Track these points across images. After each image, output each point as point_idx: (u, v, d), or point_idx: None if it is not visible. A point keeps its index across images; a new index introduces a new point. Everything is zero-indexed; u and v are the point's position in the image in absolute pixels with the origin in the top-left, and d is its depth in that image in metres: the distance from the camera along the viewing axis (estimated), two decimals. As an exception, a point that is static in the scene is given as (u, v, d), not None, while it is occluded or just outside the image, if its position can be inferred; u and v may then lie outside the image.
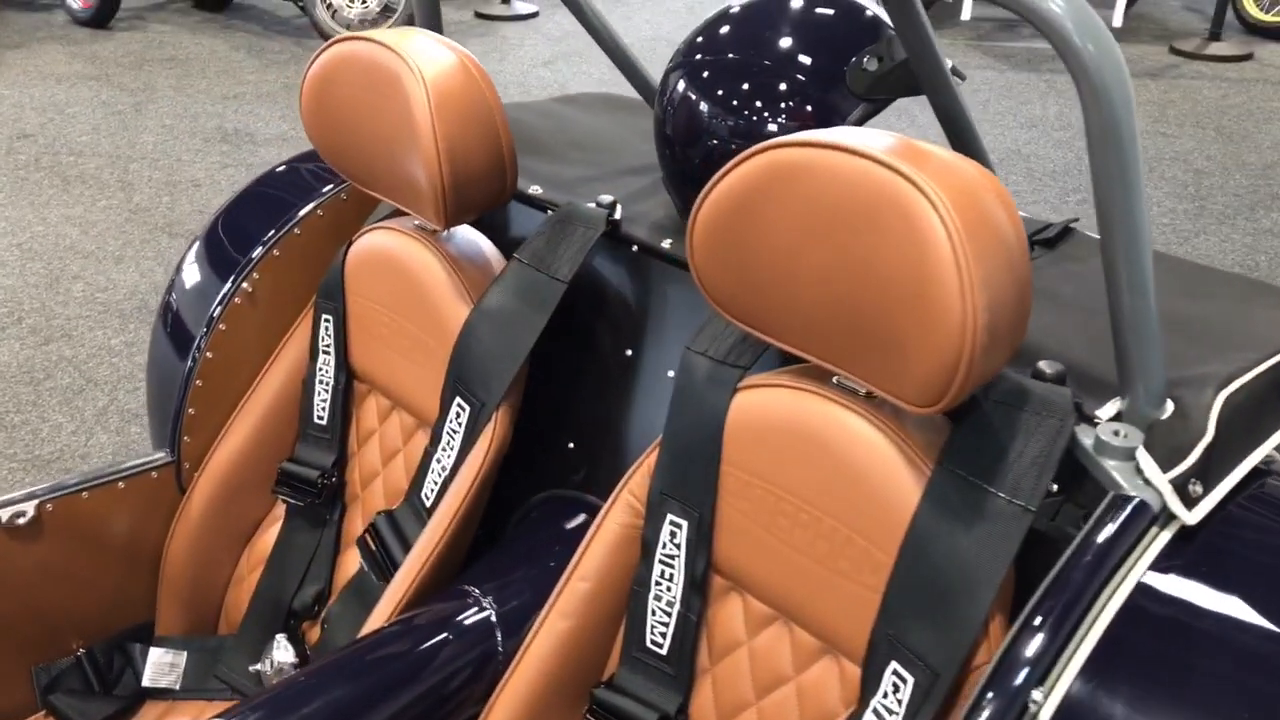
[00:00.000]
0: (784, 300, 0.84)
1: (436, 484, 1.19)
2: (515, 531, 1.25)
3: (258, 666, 1.30)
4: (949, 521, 0.80)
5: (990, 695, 0.70)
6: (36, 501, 1.26)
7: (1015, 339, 0.76)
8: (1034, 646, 0.71)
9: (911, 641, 0.82)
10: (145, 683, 1.34)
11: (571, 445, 1.25)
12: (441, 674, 1.04)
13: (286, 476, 1.35)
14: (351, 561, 1.31)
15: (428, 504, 1.20)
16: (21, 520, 1.25)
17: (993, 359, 0.74)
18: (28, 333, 2.71)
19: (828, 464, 0.88)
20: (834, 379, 0.89)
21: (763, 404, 0.93)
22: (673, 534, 1.00)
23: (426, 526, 1.15)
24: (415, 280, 1.23)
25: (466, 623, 1.07)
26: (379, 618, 1.12)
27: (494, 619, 1.07)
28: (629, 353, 1.20)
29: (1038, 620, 0.72)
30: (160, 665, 1.36)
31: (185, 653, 1.37)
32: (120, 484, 1.33)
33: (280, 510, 1.38)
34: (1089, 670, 0.69)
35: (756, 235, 0.83)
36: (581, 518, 1.20)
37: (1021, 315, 0.75)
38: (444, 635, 1.05)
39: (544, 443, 1.26)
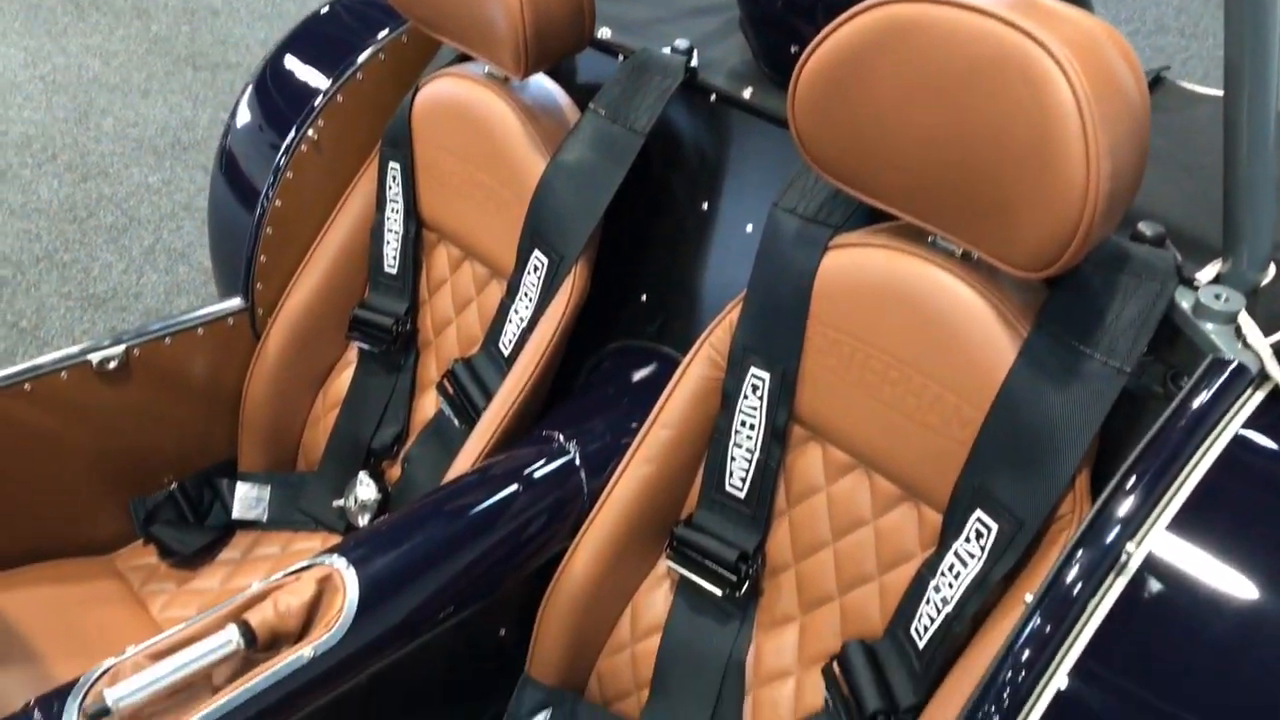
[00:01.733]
0: (890, 159, 0.84)
1: (515, 335, 1.22)
2: (589, 380, 1.28)
3: (340, 502, 1.37)
4: (1043, 381, 0.83)
5: (1083, 549, 0.74)
6: (124, 346, 1.30)
7: (1129, 203, 0.76)
8: (1129, 504, 0.75)
9: (998, 492, 0.86)
10: (235, 515, 1.42)
11: (645, 297, 1.27)
12: (530, 513, 1.10)
13: (359, 322, 1.38)
14: (428, 405, 1.35)
15: (505, 353, 1.23)
16: (112, 364, 1.29)
17: (1107, 225, 0.74)
18: (64, 169, 2.69)
19: (922, 323, 0.90)
20: (930, 239, 0.90)
21: (855, 264, 0.94)
22: (755, 387, 1.03)
23: (509, 375, 1.19)
24: (488, 130, 1.21)
25: (551, 466, 1.12)
26: (466, 461, 1.17)
27: (577, 462, 1.12)
28: (705, 206, 1.20)
29: (1133, 479, 0.75)
30: (247, 499, 1.43)
31: (269, 487, 1.44)
32: (199, 330, 1.36)
33: (353, 354, 1.42)
34: (1183, 520, 0.73)
35: (865, 92, 0.82)
36: (653, 368, 1.23)
37: (1138, 179, 0.75)
38: (531, 477, 1.10)
39: (618, 294, 1.28)
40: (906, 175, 0.84)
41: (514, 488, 1.10)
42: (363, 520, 1.35)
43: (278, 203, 1.37)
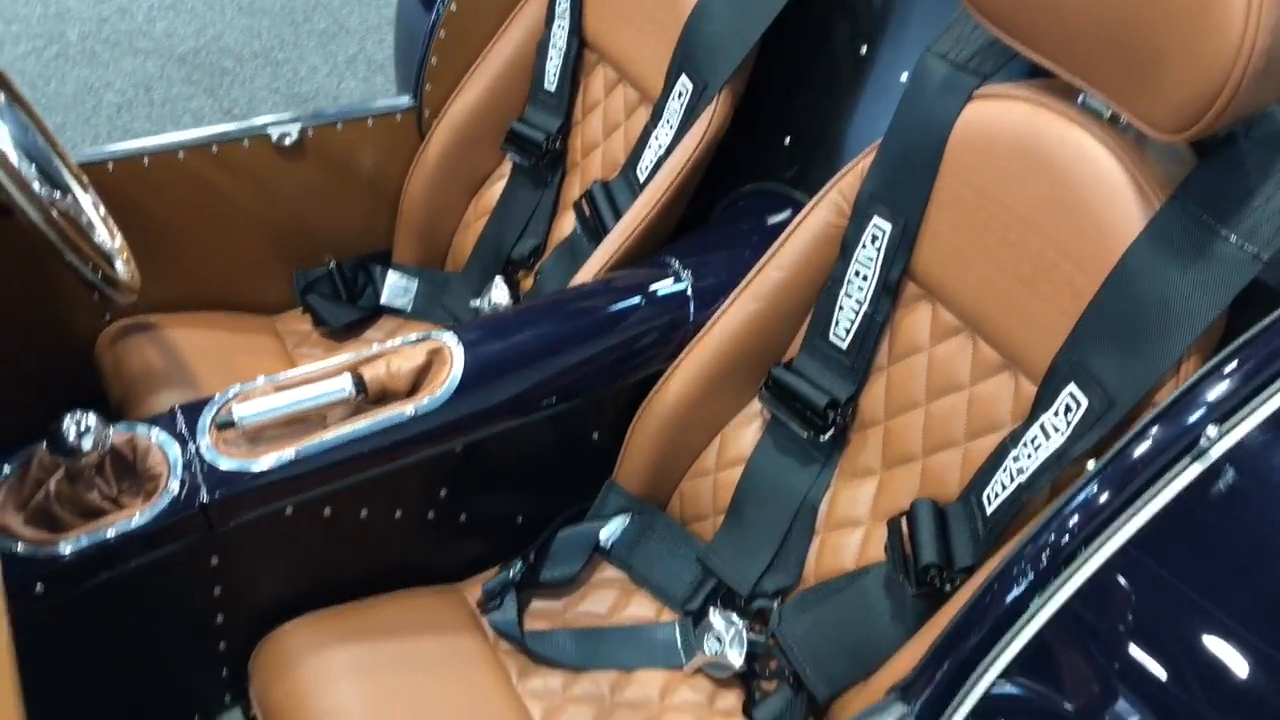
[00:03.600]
0: (1045, 3, 0.79)
1: (652, 161, 1.24)
2: (720, 217, 1.29)
3: (476, 302, 1.46)
4: (1167, 258, 0.78)
5: (1159, 425, 0.71)
6: (300, 125, 1.40)
7: None
8: (1221, 388, 0.70)
9: (1094, 368, 0.82)
10: (383, 300, 1.53)
11: (788, 140, 1.25)
12: (635, 330, 1.14)
13: (515, 135, 1.43)
14: (566, 223, 1.40)
15: (641, 179, 1.25)
16: (288, 140, 1.40)
17: (1263, 90, 0.68)
18: (290, -27, 2.85)
19: (1052, 184, 0.85)
20: (1079, 98, 0.85)
21: (996, 116, 0.90)
22: (874, 237, 1.02)
23: (639, 197, 1.21)
24: None
25: (663, 289, 1.15)
26: (586, 273, 1.21)
27: (689, 291, 1.15)
28: (863, 50, 1.16)
29: (1233, 364, 0.71)
30: (396, 287, 1.54)
31: (417, 280, 1.54)
32: (369, 121, 1.45)
33: (507, 168, 1.48)
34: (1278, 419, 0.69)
35: None
36: (787, 213, 1.22)
37: None
38: (642, 296, 1.14)
39: (761, 134, 1.26)
40: (1061, 22, 0.78)
41: (624, 302, 1.14)
42: (490, 323, 1.44)
43: (453, 7, 1.41)
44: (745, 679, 1.09)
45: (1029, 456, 0.87)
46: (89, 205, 1.12)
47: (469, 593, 1.14)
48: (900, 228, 0.99)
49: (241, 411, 0.97)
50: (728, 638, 1.07)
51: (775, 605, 1.08)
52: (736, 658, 1.06)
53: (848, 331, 1.06)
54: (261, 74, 2.49)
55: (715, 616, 1.09)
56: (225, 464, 0.95)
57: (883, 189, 1.00)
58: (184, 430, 0.97)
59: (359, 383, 1.01)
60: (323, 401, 1.00)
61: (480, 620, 1.11)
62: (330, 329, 1.49)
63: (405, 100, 1.48)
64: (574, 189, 1.42)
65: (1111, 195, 0.81)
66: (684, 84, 1.18)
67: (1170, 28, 0.69)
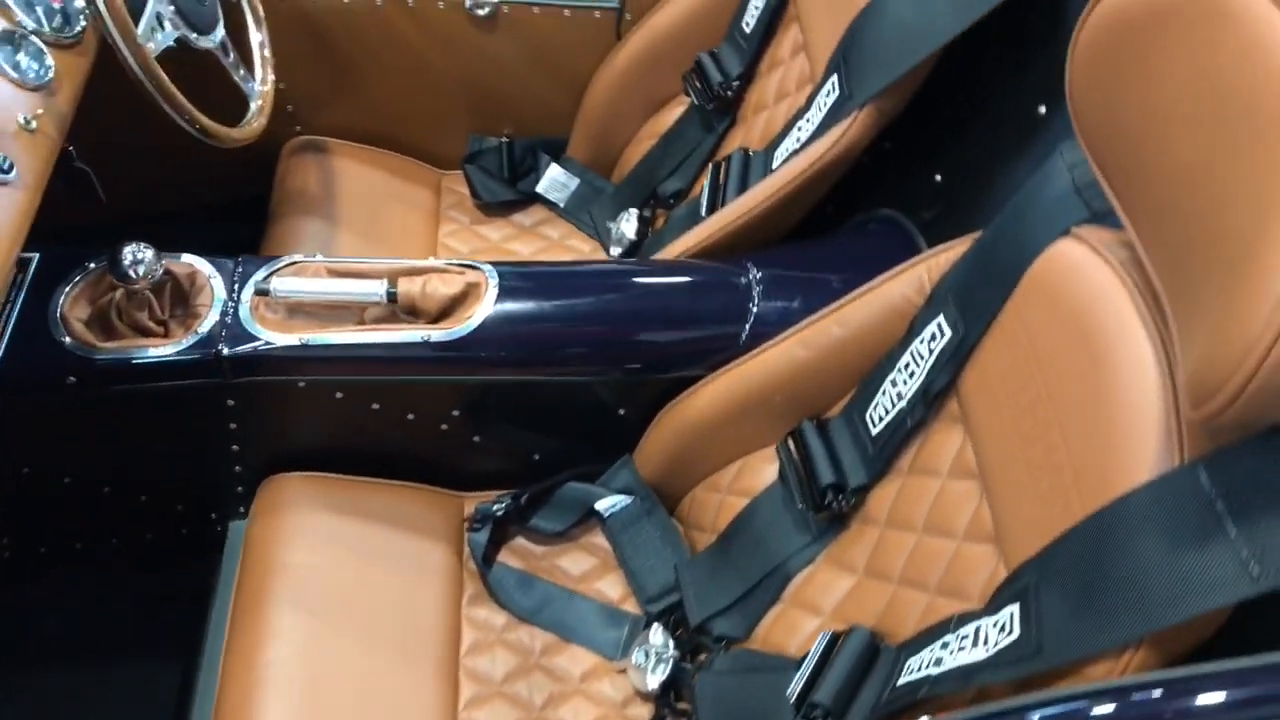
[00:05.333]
0: (1142, 168, 0.62)
1: (787, 151, 1.13)
2: (832, 236, 1.17)
3: (610, 225, 1.43)
4: (1159, 530, 0.62)
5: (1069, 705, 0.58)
6: (497, 1, 1.39)
7: None
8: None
9: (1044, 602, 0.69)
10: (539, 189, 1.54)
11: (938, 178, 1.09)
12: (679, 335, 1.08)
13: (699, 68, 1.34)
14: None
15: (774, 166, 1.15)
16: (482, 11, 1.40)
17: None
18: None
19: (1091, 382, 0.70)
20: None
21: (1074, 270, 0.73)
22: (934, 335, 0.88)
23: (752, 189, 1.11)
24: None
25: (725, 300, 1.07)
26: (674, 248, 1.15)
27: (751, 310, 1.06)
28: (1042, 110, 0.96)
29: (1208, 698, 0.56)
30: (555, 180, 1.54)
31: (578, 180, 1.53)
32: (566, 12, 1.41)
33: (684, 103, 1.40)
34: None
35: (1143, 70, 0.59)
36: (902, 257, 1.08)
37: None
38: (700, 300, 1.07)
39: (913, 163, 1.11)
40: (1153, 198, 0.61)
41: (679, 300, 1.08)
42: (613, 251, 1.41)
43: (675, -84, 1.32)
44: (659, 700, 1.07)
45: (952, 653, 0.76)
46: (256, 45, 1.20)
47: (469, 503, 1.19)
48: (959, 339, 0.85)
49: (278, 285, 1.04)
50: (654, 658, 1.06)
51: (714, 651, 1.05)
52: (653, 681, 1.05)
53: (881, 419, 0.95)
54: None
55: (656, 633, 1.07)
56: (249, 327, 1.03)
57: (960, 288, 0.86)
58: (235, 282, 1.06)
59: (391, 293, 1.04)
60: (354, 298, 1.04)
61: (465, 534, 1.16)
62: (481, 202, 1.53)
63: (613, 3, 1.42)
64: (732, 145, 1.32)
65: (1139, 424, 0.65)
66: (833, 83, 1.05)
67: (1219, 264, 0.52)
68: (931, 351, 0.88)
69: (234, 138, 1.08)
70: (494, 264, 1.07)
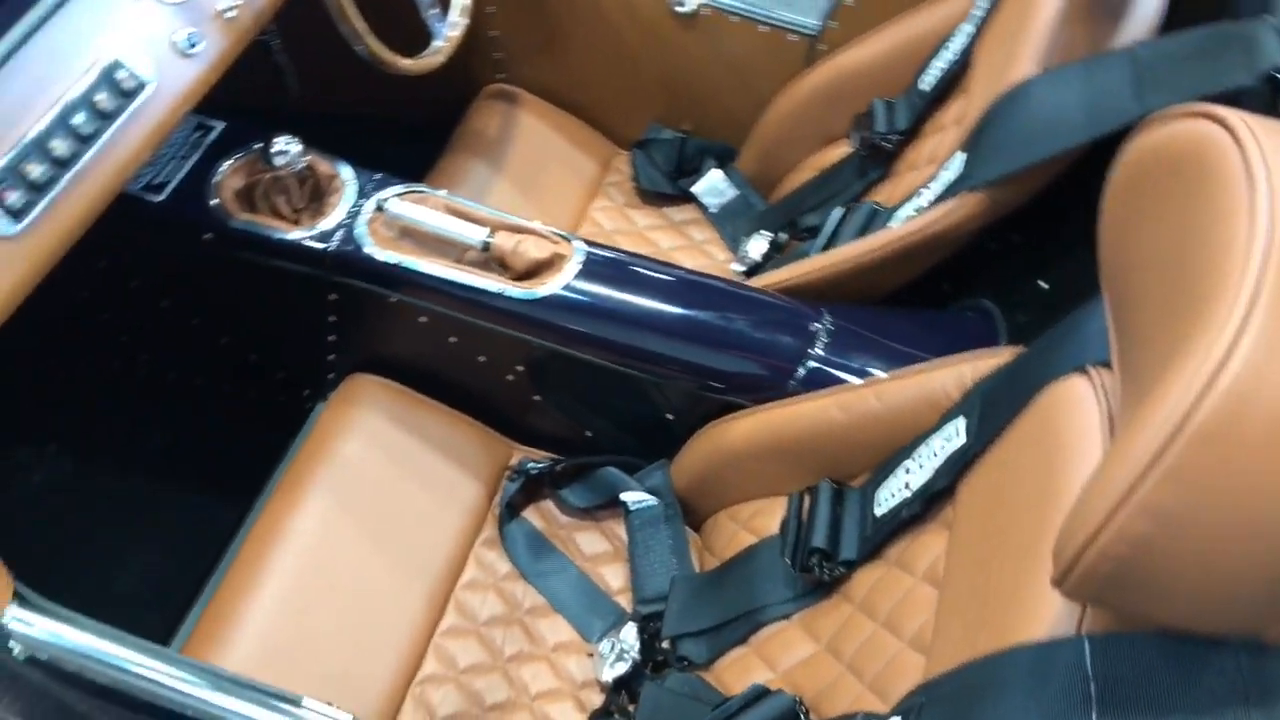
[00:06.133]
0: (1123, 308, 0.58)
1: (904, 216, 1.11)
2: (921, 310, 1.13)
3: (747, 242, 1.44)
4: (1030, 689, 0.59)
5: None
6: (700, 1, 1.43)
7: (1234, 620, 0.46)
8: None
9: None
10: (695, 189, 1.56)
11: (1044, 285, 1.04)
12: (733, 364, 1.09)
13: (870, 114, 1.32)
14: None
15: (893, 222, 1.13)
16: (682, 9, 1.44)
17: (1135, 598, 0.47)
18: None
19: (1041, 516, 0.66)
20: None
21: (1070, 402, 0.69)
22: (949, 437, 0.86)
23: (855, 242, 1.10)
24: None
25: (787, 342, 1.07)
26: (773, 276, 1.16)
27: (809, 358, 1.06)
28: None
29: None
30: (712, 185, 1.55)
31: (735, 191, 1.55)
32: (763, 28, 1.43)
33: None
34: None
35: (1148, 218, 0.56)
36: (966, 343, 1.04)
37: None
38: (765, 334, 1.07)
39: (1025, 262, 1.06)
40: (1123, 347, 0.58)
41: (745, 328, 1.08)
42: (734, 267, 1.43)
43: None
44: (611, 693, 1.10)
45: None
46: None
47: (516, 454, 1.26)
48: (966, 446, 0.83)
49: (394, 207, 1.13)
50: (615, 654, 1.09)
51: (673, 667, 1.06)
52: (608, 673, 1.08)
53: (886, 503, 0.93)
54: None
55: (629, 631, 1.10)
56: (359, 236, 1.13)
57: (987, 397, 0.83)
58: (365, 193, 1.17)
59: (487, 242, 1.12)
60: (453, 237, 1.13)
61: (502, 480, 1.23)
62: (638, 189, 1.58)
63: (808, 23, 1.43)
64: (874, 196, 1.30)
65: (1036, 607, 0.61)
66: (960, 161, 1.02)
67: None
68: (943, 451, 0.85)
69: (399, 66, 1.18)
70: (587, 242, 1.12)
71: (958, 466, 0.83)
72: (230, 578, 1.08)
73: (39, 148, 0.87)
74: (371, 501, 1.15)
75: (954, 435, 0.85)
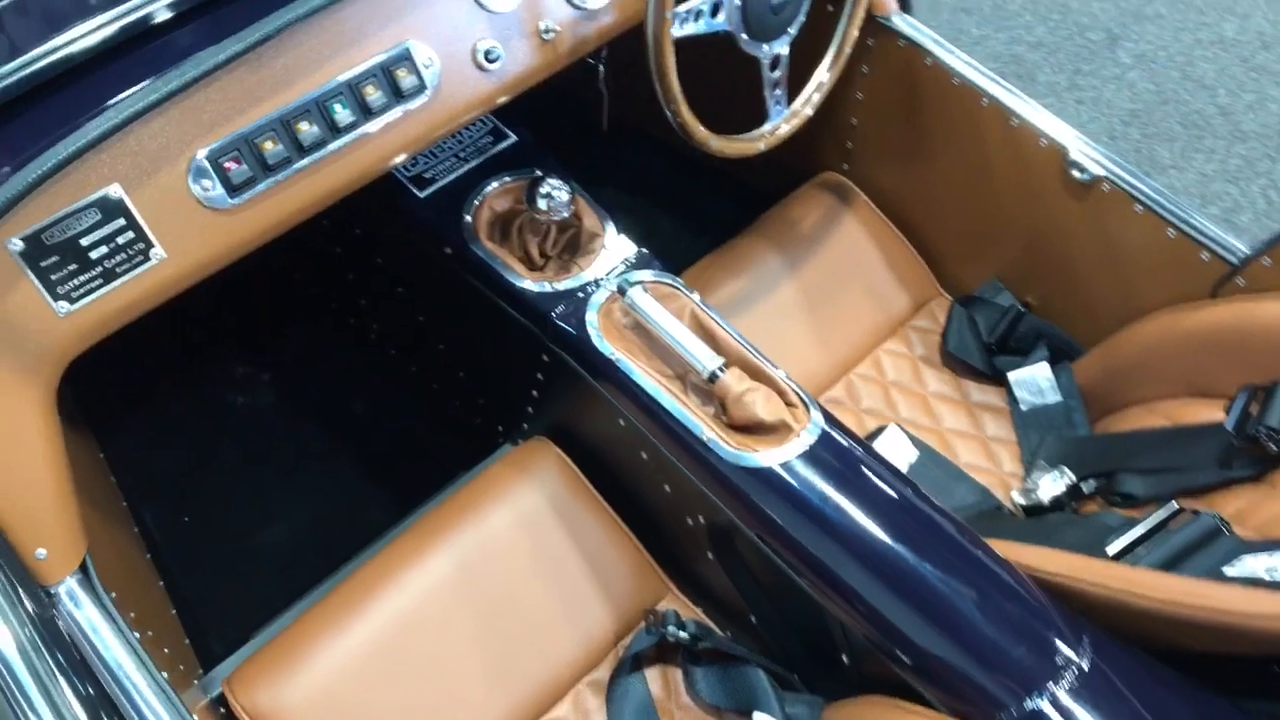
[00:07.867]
0: None
1: (1257, 571, 0.79)
2: (1200, 689, 0.81)
3: (1039, 468, 1.16)
4: None
5: None
6: (1097, 173, 1.14)
7: None
8: None
9: None
10: (1011, 375, 1.28)
11: None
12: (939, 641, 0.83)
13: (1268, 395, 0.99)
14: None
15: (1232, 572, 0.82)
16: (1078, 175, 1.16)
17: None
18: None
19: None
20: None
21: None
22: None
23: (1188, 581, 0.80)
24: None
25: (1026, 654, 0.80)
26: (1057, 560, 0.88)
27: (1044, 691, 0.78)
28: None
29: None
30: (1034, 381, 1.28)
31: (1059, 399, 1.25)
32: (1170, 231, 1.12)
33: (1222, 412, 1.05)
34: None
35: None
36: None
37: None
38: (1003, 635, 0.81)
39: None
40: None
41: (968, 617, 0.82)
42: (1015, 495, 1.14)
43: None
44: None
45: None
46: (815, 80, 1.11)
47: (670, 598, 1.09)
48: None
49: (635, 296, 0.97)
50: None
51: None
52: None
53: None
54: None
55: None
56: (587, 313, 0.99)
57: None
58: (615, 270, 1.02)
59: (714, 377, 0.93)
60: (682, 355, 0.95)
61: (640, 624, 1.06)
62: (946, 349, 1.32)
63: (1234, 246, 1.09)
64: (1229, 502, 0.97)
65: None
66: None
67: None
68: None
69: (709, 145, 1.01)
70: (827, 417, 0.90)
71: None
72: (326, 605, 1.00)
73: (285, 127, 0.80)
74: (496, 587, 1.03)
75: None
